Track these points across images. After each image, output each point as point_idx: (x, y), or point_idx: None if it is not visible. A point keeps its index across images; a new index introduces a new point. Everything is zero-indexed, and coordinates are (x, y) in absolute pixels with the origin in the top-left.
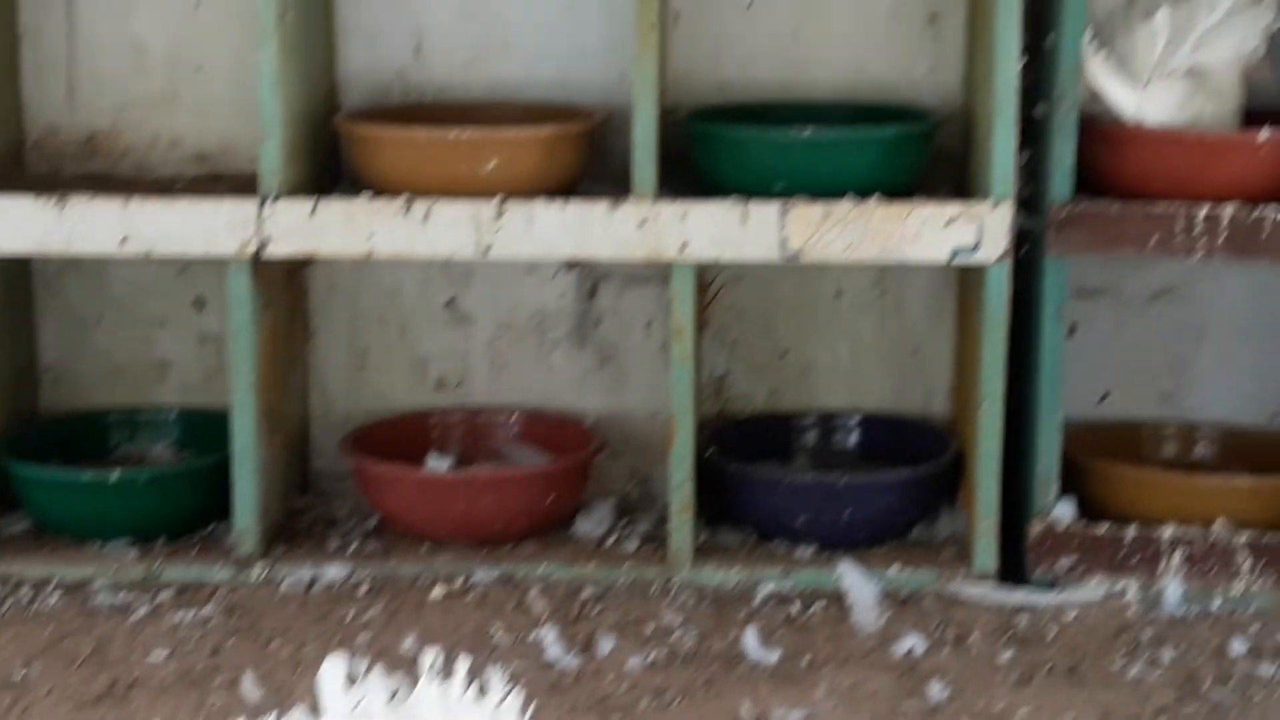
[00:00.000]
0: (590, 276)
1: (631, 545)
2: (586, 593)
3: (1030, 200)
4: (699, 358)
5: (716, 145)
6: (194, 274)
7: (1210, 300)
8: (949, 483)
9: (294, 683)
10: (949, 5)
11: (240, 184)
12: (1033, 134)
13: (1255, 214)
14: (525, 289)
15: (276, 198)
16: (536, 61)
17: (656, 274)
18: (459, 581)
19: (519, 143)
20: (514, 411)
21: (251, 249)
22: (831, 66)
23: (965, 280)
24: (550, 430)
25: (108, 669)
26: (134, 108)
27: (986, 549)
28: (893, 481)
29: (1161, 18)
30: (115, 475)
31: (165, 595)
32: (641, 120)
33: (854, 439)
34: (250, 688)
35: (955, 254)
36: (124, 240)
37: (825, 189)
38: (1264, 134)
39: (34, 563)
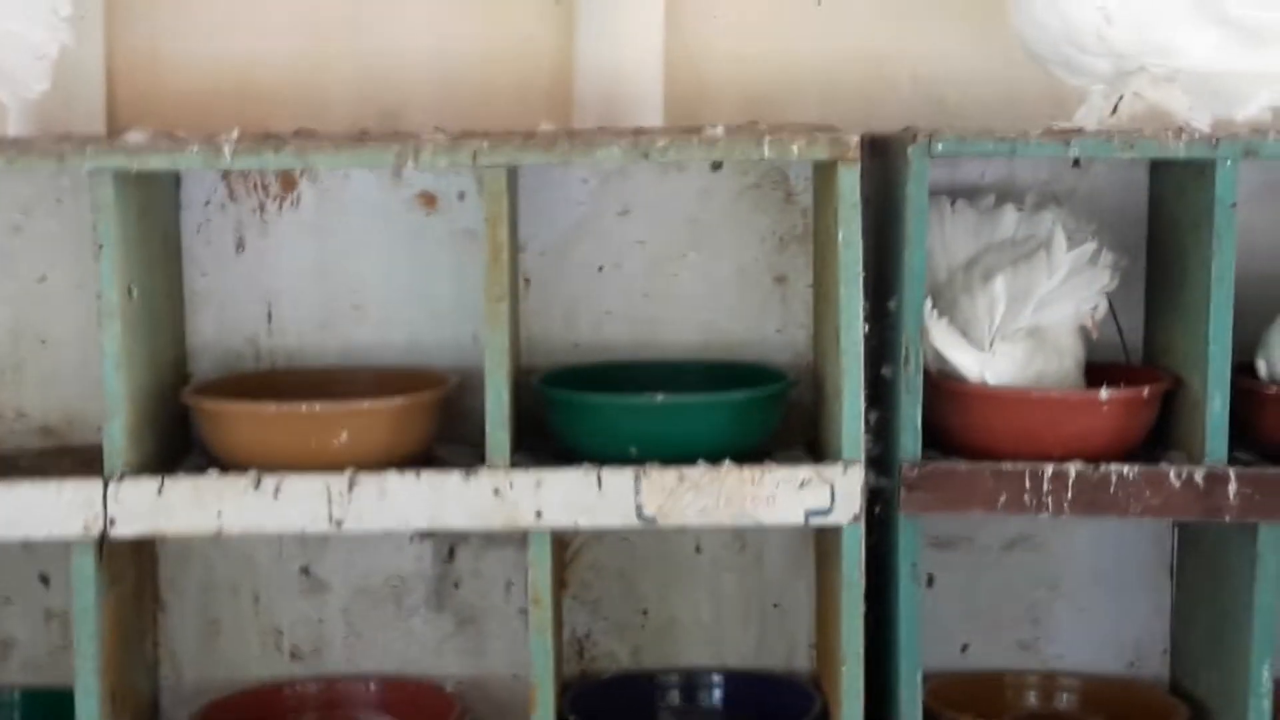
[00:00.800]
0: (448, 539)
1: None
2: None
3: (882, 459)
4: (560, 618)
5: (570, 411)
6: (38, 549)
7: (1063, 549)
8: None
9: None
10: (795, 268)
11: (87, 457)
12: (882, 393)
13: (1101, 471)
14: (382, 554)
15: (121, 477)
16: (389, 326)
17: (515, 535)
18: None
19: (371, 414)
20: (371, 680)
21: (96, 531)
22: (683, 326)
23: (822, 537)
24: (409, 699)
25: None
26: None
27: None
28: None
29: (1000, 285)
30: None
31: None
32: (493, 390)
33: (717, 696)
34: None
35: (810, 516)
36: None
37: (679, 452)
38: (1105, 392)
39: None
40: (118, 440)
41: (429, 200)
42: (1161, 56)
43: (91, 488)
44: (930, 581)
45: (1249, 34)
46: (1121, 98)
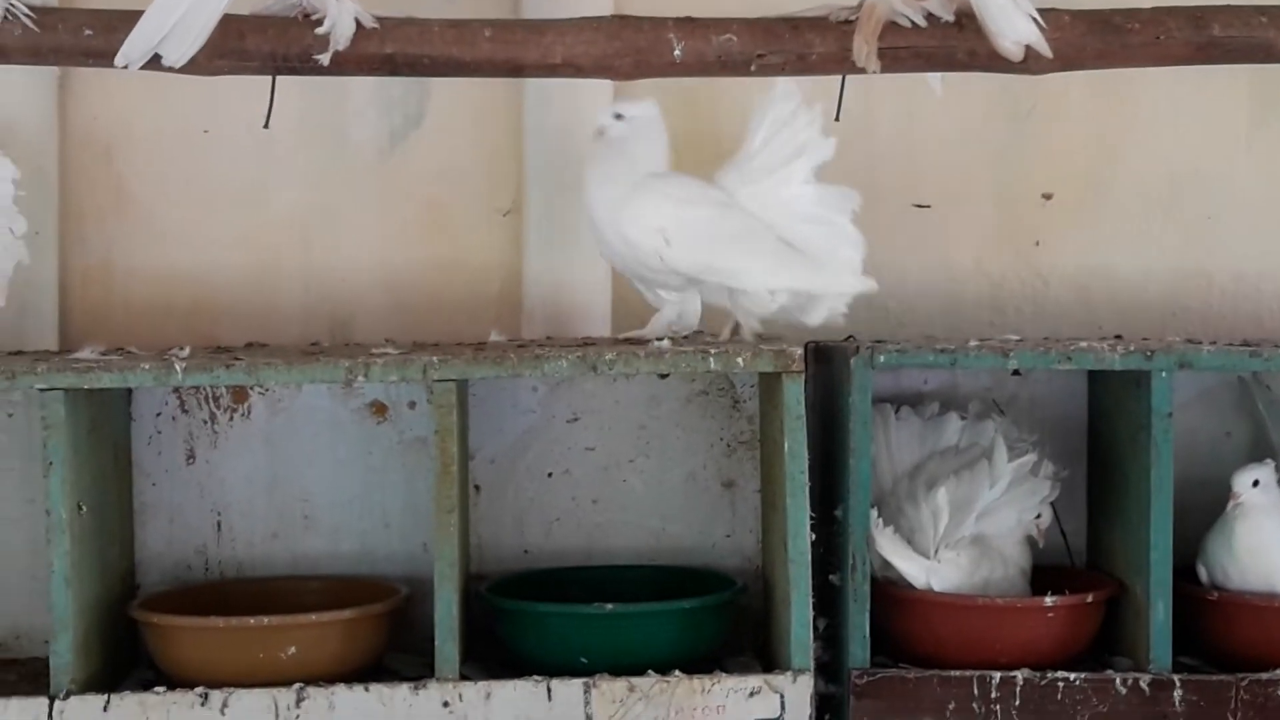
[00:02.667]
0: None
1: None
2: None
3: (830, 665)
4: None
5: (519, 620)
6: None
7: None
8: None
9: None
10: (743, 472)
11: (34, 670)
12: (830, 600)
13: (1048, 678)
14: None
15: (67, 695)
16: (339, 535)
17: None
18: None
19: (320, 626)
20: None
21: None
22: (632, 531)
23: None
24: None
25: None
26: None
27: None
28: None
29: (942, 497)
30: None
31: None
32: (442, 603)
33: None
34: None
35: None
36: None
37: (629, 660)
38: (1050, 599)
39: None
40: (64, 657)
41: (380, 409)
42: (719, 276)
43: (38, 706)
44: None
45: (799, 257)
46: (737, 324)
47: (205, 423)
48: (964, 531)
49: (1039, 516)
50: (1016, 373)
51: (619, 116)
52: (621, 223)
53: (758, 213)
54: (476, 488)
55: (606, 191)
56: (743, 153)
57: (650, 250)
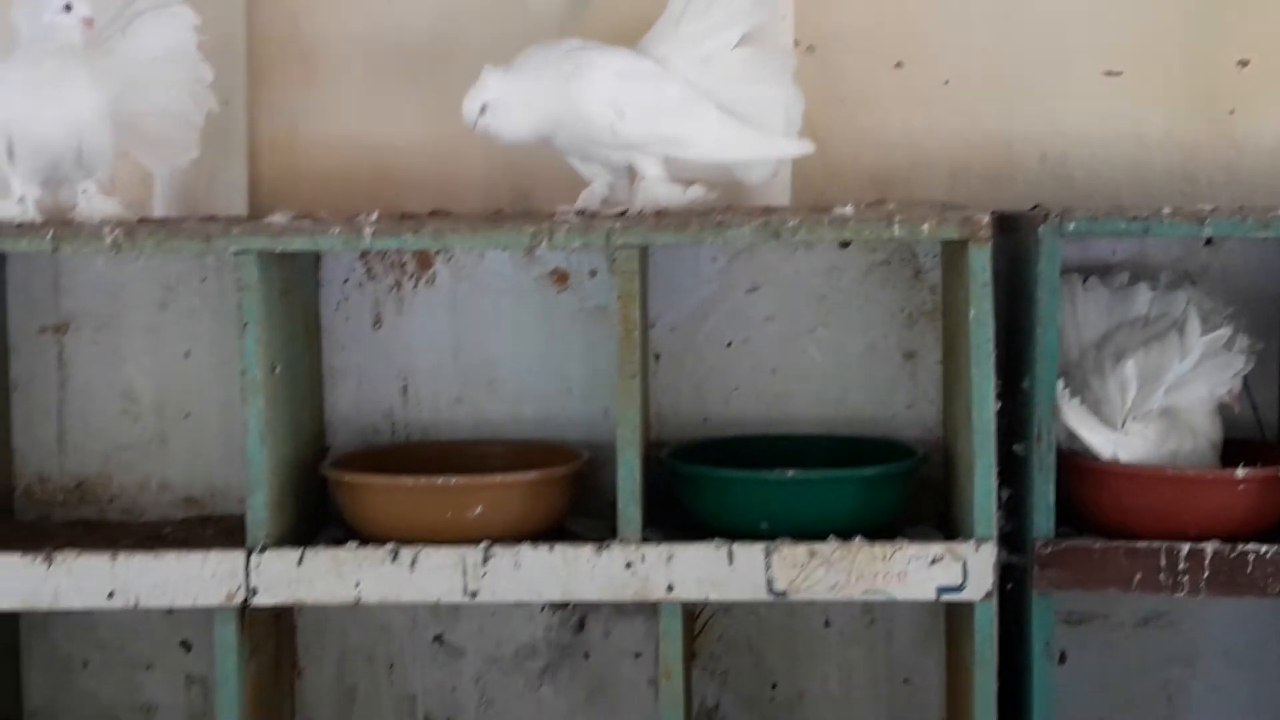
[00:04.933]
0: (578, 610)
1: None
2: None
3: (1013, 535)
4: (689, 690)
5: (701, 486)
6: (181, 616)
7: (1198, 628)
8: None
9: None
10: (925, 343)
11: (228, 526)
12: (1014, 470)
13: (1238, 550)
14: (514, 623)
15: (263, 549)
16: (521, 401)
17: (643, 606)
18: None
19: (505, 488)
20: None
21: (238, 599)
22: (811, 401)
23: (953, 613)
24: None
25: None
26: (124, 453)
27: None
28: None
29: (1130, 369)
30: None
31: None
32: (625, 466)
33: None
34: None
35: (941, 592)
36: (111, 594)
37: (809, 527)
38: (1241, 471)
39: None
40: (260, 512)
41: (561, 278)
42: (668, 146)
43: (234, 559)
44: (1062, 658)
45: (738, 123)
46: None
47: (391, 289)
48: (1152, 404)
49: (1230, 390)
50: (1209, 242)
51: None
52: (572, 96)
53: (694, 81)
54: (656, 356)
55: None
56: (668, 19)
57: (602, 123)
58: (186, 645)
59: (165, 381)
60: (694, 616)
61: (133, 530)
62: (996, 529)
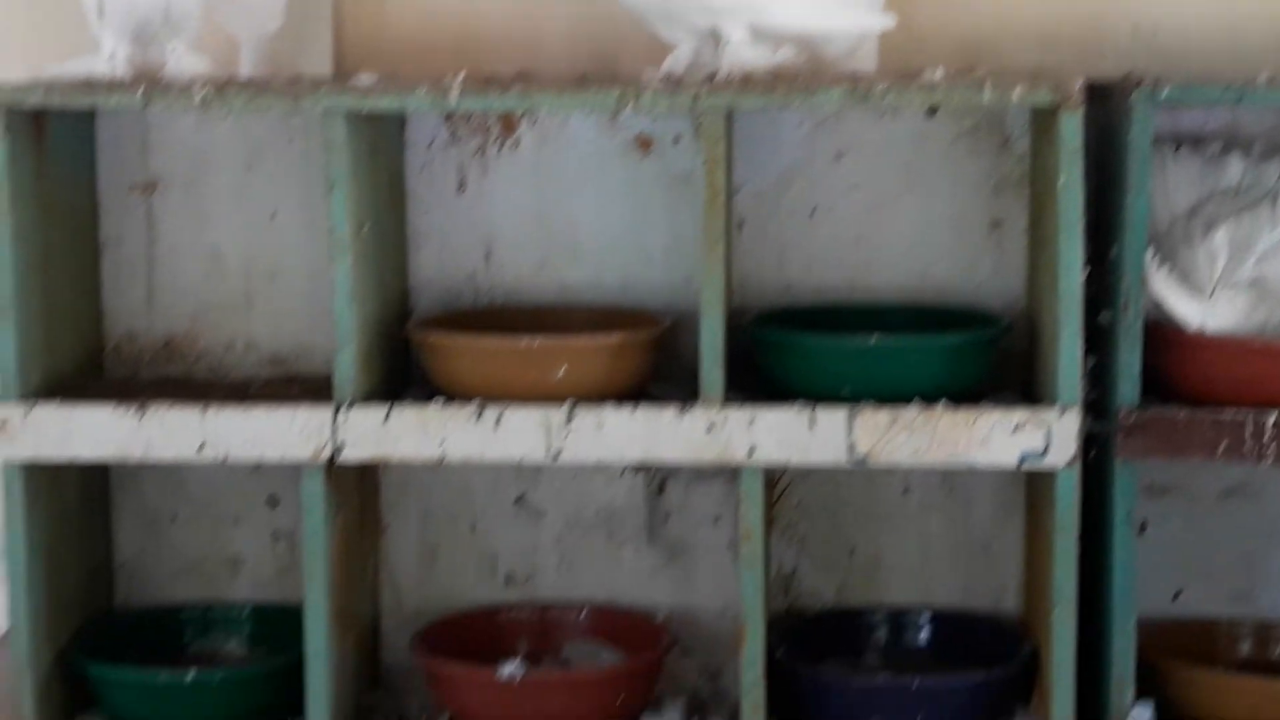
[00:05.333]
0: (659, 473)
1: None
2: None
3: (1097, 404)
4: (768, 555)
5: (783, 351)
6: (267, 472)
7: None
8: (1022, 684)
9: None
10: (1011, 212)
11: (314, 386)
12: (1098, 339)
13: None
14: (594, 486)
15: (350, 405)
16: (603, 267)
17: (724, 470)
18: None
19: (589, 349)
20: (583, 608)
21: (326, 455)
22: (894, 270)
23: (1034, 481)
24: (620, 626)
25: None
26: (211, 313)
27: None
28: (967, 683)
29: (1220, 238)
30: (190, 675)
31: None
32: (708, 329)
33: (924, 636)
34: None
35: (1024, 459)
36: (202, 447)
37: (891, 394)
38: None
39: None
40: (347, 369)
41: (644, 144)
42: (755, 14)
43: (322, 414)
44: (1143, 529)
45: None
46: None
47: (475, 153)
48: (1242, 274)
49: None
50: None
51: None
52: None
53: None
54: (738, 224)
55: None
56: None
57: None
58: (273, 501)
59: (251, 242)
60: (773, 482)
61: (220, 389)
62: (1081, 396)
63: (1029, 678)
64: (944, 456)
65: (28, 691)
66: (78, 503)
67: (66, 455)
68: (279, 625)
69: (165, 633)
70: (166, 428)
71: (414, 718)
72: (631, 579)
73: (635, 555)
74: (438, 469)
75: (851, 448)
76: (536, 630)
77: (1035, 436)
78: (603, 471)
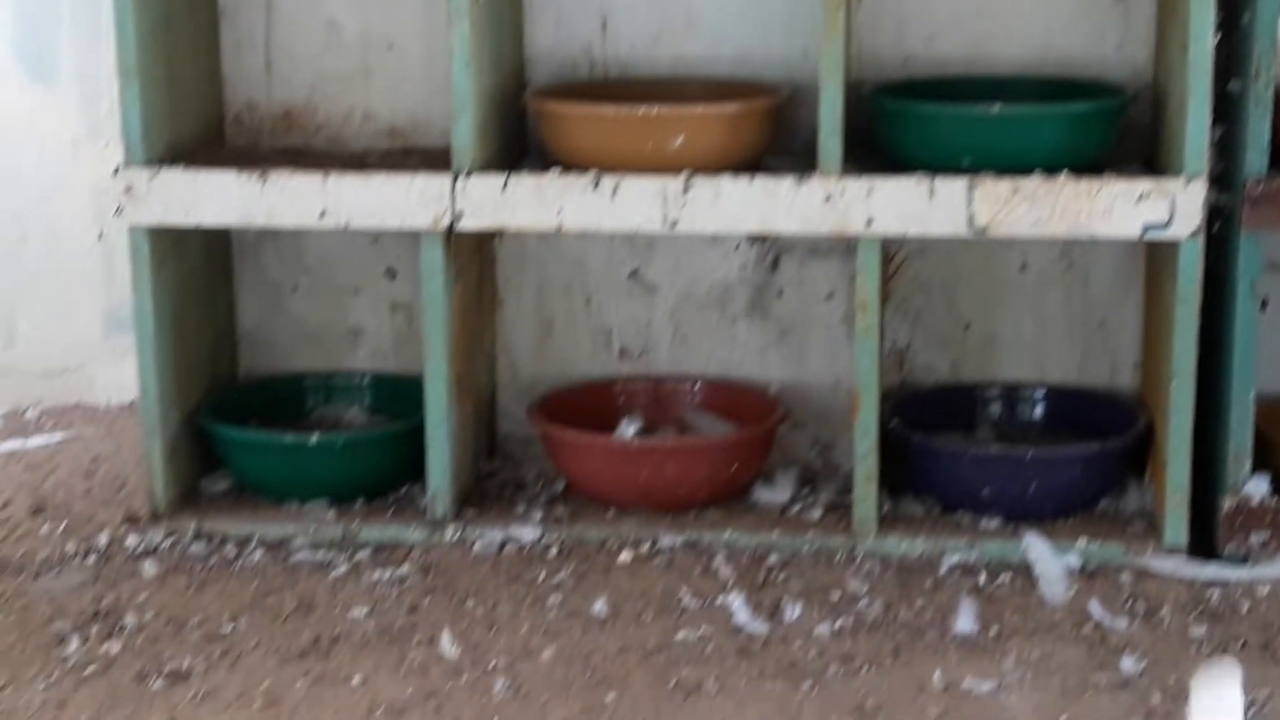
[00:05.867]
0: (772, 249)
1: (815, 514)
2: (771, 560)
3: (1223, 176)
4: (882, 330)
5: (903, 121)
6: (386, 244)
7: None
8: (1137, 457)
9: (490, 641)
10: None
11: (430, 158)
12: (1226, 110)
13: None
14: (708, 260)
15: (469, 173)
16: (719, 39)
17: (838, 246)
18: (645, 546)
19: (706, 119)
20: (697, 380)
21: (445, 223)
22: (1016, 42)
23: (1154, 254)
24: (733, 399)
25: (311, 624)
26: (329, 84)
27: (1177, 524)
28: (1081, 454)
29: None
30: (314, 438)
31: (362, 554)
32: (827, 98)
33: (1038, 411)
34: (448, 645)
35: (1146, 230)
36: (323, 213)
37: (1012, 165)
38: None
39: (236, 521)
40: (465, 137)
41: None
42: None
43: (441, 182)
44: (1264, 305)
45: None
46: None
47: None
48: None
49: None
50: None
51: None
52: None
53: None
54: None
55: None
56: None
57: None
58: (391, 273)
59: (368, 15)
60: (889, 256)
61: (339, 158)
62: (1207, 167)
63: (1143, 451)
64: (1065, 228)
65: (156, 454)
66: (202, 272)
67: (191, 220)
68: (398, 394)
69: (288, 400)
70: (288, 194)
71: (530, 485)
72: (744, 354)
73: (748, 330)
74: (553, 244)
75: (971, 219)
76: (651, 402)
77: (1159, 207)
78: (717, 246)
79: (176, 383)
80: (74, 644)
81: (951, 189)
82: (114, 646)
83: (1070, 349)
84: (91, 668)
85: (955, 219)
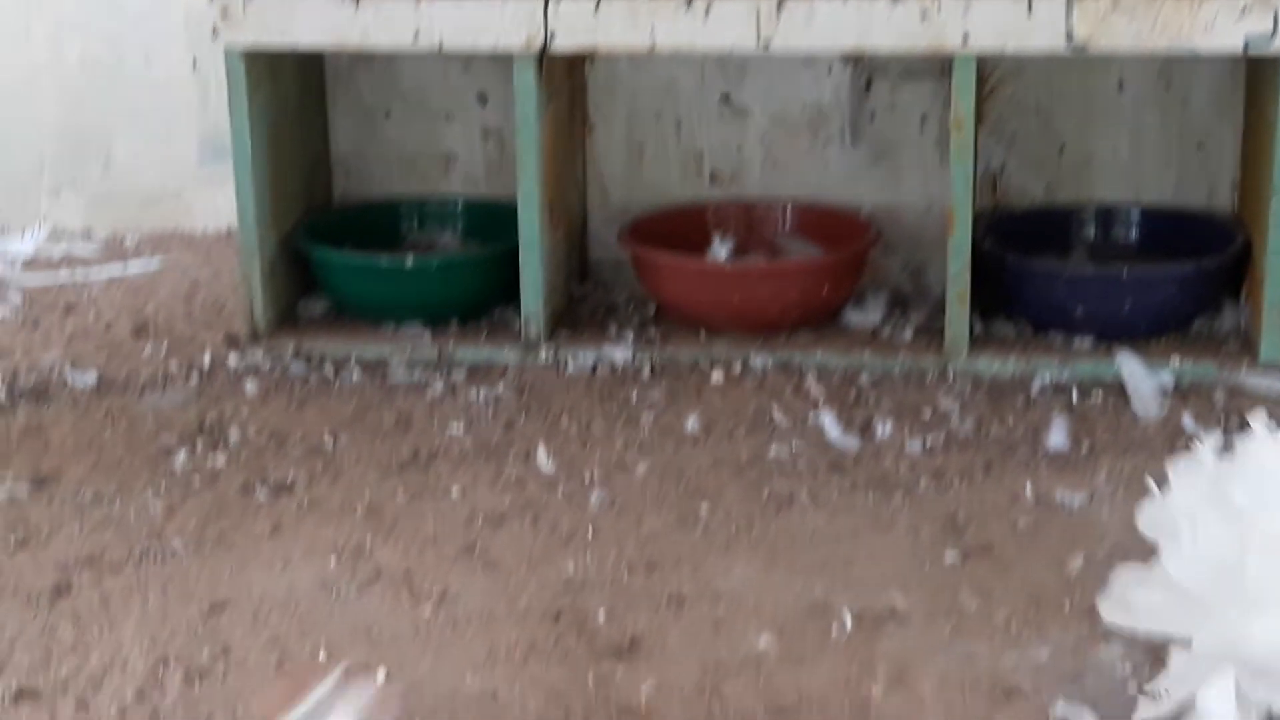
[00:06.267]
0: (865, 71)
1: (906, 336)
2: (862, 380)
3: None
4: (976, 152)
5: None
6: (478, 70)
7: None
8: (1233, 276)
9: (585, 457)
10: None
11: None
12: None
13: None
14: (800, 84)
15: None
16: None
17: (931, 68)
18: (736, 367)
19: None
20: (789, 204)
21: (537, 44)
22: None
23: (1254, 72)
24: (825, 223)
25: (410, 440)
26: None
27: (1274, 341)
28: (1177, 273)
29: None
30: (411, 260)
31: (458, 375)
32: None
33: (1134, 233)
34: (544, 460)
35: (1249, 44)
36: (416, 35)
37: None
38: None
39: (334, 342)
40: None
41: None
42: None
43: (533, 4)
44: None
45: None
46: None
47: None
48: None
49: None
50: None
51: None
52: None
53: None
54: None
55: None
56: None
57: None
58: (483, 98)
59: None
60: (984, 77)
61: None
62: None
63: (1240, 271)
64: (1165, 42)
65: (255, 275)
66: (297, 97)
67: (286, 41)
68: (490, 219)
69: (382, 224)
70: (382, 16)
71: (621, 308)
72: (836, 178)
73: (840, 154)
74: (644, 67)
75: (1069, 33)
76: (742, 226)
77: (1263, 19)
78: (809, 68)
79: (273, 206)
80: (181, 457)
81: (1050, 3)
82: (219, 460)
83: (1166, 170)
84: (198, 479)
85: (1054, 34)
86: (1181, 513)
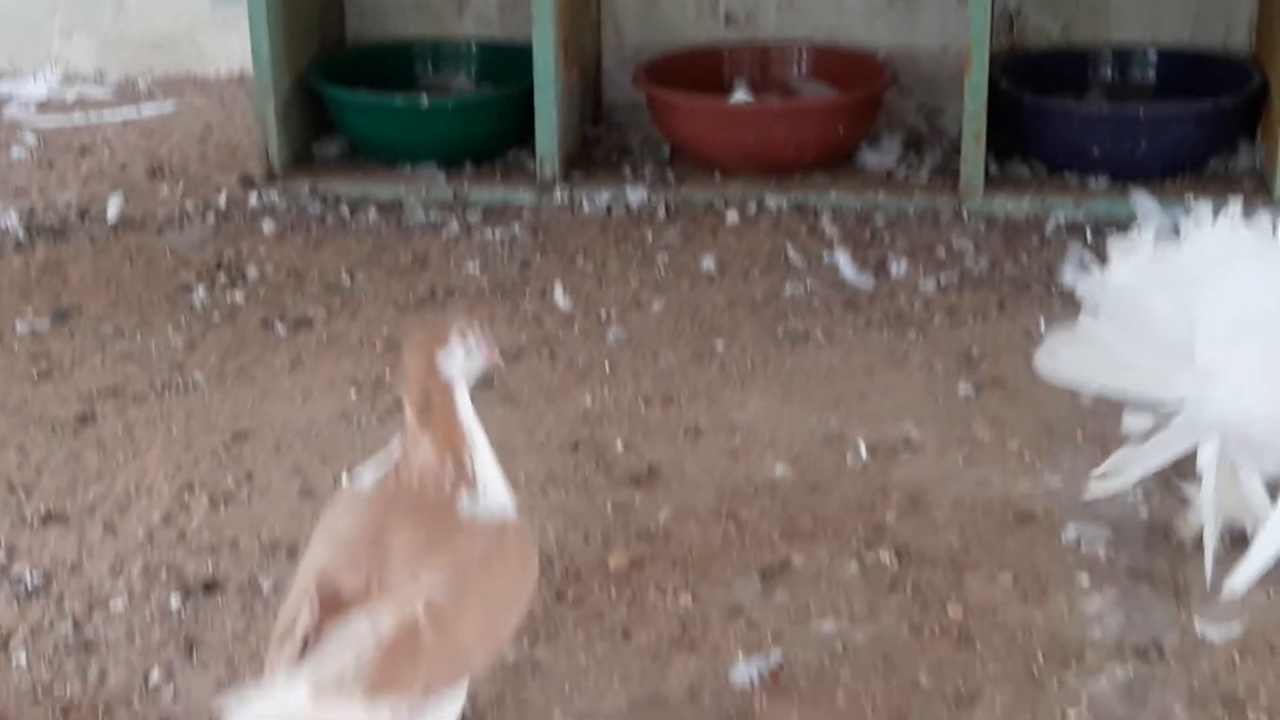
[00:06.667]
0: None
1: (921, 176)
2: (877, 220)
3: None
4: None
5: None
6: None
7: None
8: (1249, 116)
9: (601, 295)
10: None
11: None
12: None
13: None
14: None
15: None
16: None
17: None
18: (751, 208)
19: None
20: (804, 46)
21: None
22: None
23: None
24: (840, 65)
25: (426, 278)
26: None
27: None
28: (1192, 112)
29: None
30: (426, 101)
31: (473, 215)
32: None
33: (1150, 73)
34: (560, 297)
35: None
36: None
37: None
38: None
39: (350, 182)
40: None
41: None
42: None
43: None
44: None
45: None
46: None
47: None
48: None
49: None
50: None
51: None
52: None
53: None
54: None
55: None
56: None
57: None
58: None
59: None
60: None
61: None
62: None
63: (1256, 111)
64: None
65: (270, 115)
66: None
67: None
68: (504, 61)
69: (397, 65)
70: None
71: (636, 150)
72: (852, 19)
73: None
74: None
75: None
76: (758, 68)
77: None
78: None
79: (287, 45)
80: (200, 293)
81: None
82: (238, 296)
83: (1183, 10)
84: (217, 315)
85: None
86: (1117, 284)
